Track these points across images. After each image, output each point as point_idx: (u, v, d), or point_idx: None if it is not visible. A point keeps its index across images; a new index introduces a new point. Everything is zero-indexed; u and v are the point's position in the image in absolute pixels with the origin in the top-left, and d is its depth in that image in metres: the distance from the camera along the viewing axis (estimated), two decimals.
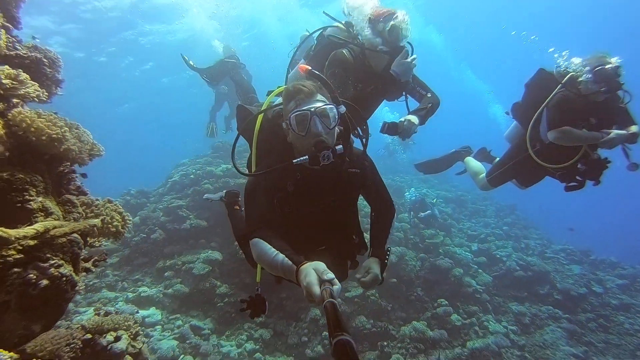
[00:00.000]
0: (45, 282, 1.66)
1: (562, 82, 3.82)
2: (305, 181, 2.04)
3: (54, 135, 1.87)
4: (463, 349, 6.95)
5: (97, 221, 1.98)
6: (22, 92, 1.69)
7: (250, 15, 18.10)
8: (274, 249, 1.73)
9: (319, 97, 2.01)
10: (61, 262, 1.75)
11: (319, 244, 2.24)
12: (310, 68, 2.22)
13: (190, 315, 7.11)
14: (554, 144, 3.87)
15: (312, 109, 1.92)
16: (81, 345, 2.69)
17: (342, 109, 2.04)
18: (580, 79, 3.72)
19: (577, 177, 4.12)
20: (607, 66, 3.54)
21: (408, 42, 3.11)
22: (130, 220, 2.35)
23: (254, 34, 19.88)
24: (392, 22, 2.95)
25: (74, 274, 1.81)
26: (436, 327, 7.24)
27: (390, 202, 2.44)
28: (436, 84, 3.51)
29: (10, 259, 1.59)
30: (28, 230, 1.57)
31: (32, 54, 2.18)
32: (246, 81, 7.52)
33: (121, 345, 2.88)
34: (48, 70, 2.28)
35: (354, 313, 7.24)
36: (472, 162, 5.27)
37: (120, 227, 2.23)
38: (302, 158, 1.91)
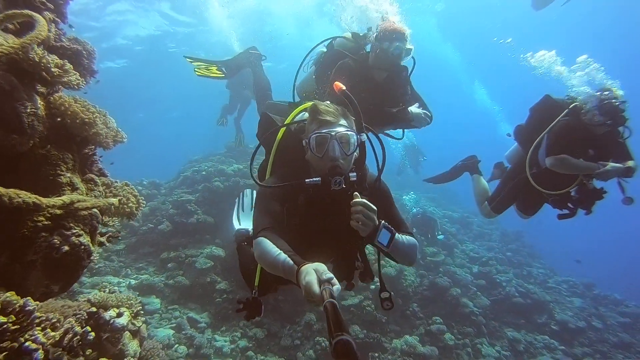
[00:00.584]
0: (66, 247, 1.89)
1: (567, 110, 3.94)
2: (316, 199, 2.05)
3: (86, 120, 2.11)
4: None
5: (115, 200, 2.21)
6: (66, 80, 1.93)
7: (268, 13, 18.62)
8: (277, 249, 1.73)
9: (342, 121, 2.04)
10: (81, 232, 1.98)
11: (321, 260, 2.25)
12: (344, 88, 2.23)
13: (188, 308, 7.30)
14: (551, 171, 3.96)
15: (333, 133, 1.96)
16: (86, 317, 2.90)
17: (364, 137, 2.08)
18: (585, 110, 3.82)
19: (569, 205, 4.21)
20: (614, 101, 3.66)
21: (412, 57, 3.35)
22: (144, 203, 2.58)
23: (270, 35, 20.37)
24: (397, 44, 3.16)
25: (90, 245, 2.04)
26: (428, 343, 7.30)
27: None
28: (448, 99, 3.76)
29: (40, 224, 1.82)
30: (57, 200, 1.80)
31: (74, 46, 2.44)
32: (265, 76, 7.22)
33: (122, 321, 3.09)
34: (85, 61, 2.54)
35: (348, 321, 7.36)
36: (481, 182, 5.22)
37: (134, 209, 2.46)
38: (314, 179, 1.95)
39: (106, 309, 3.14)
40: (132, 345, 3.18)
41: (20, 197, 1.56)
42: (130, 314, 3.26)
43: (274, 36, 18.71)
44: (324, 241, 2.15)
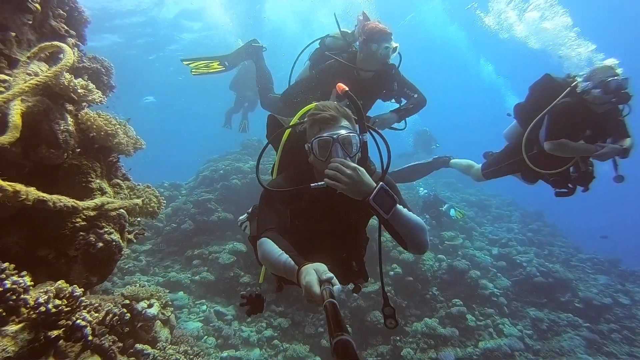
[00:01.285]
0: (100, 244, 2.20)
1: (567, 89, 3.92)
2: (319, 201, 2.08)
3: (109, 132, 2.42)
4: (475, 348, 7.18)
5: (138, 201, 2.52)
6: (90, 98, 2.23)
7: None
8: (279, 249, 1.75)
9: (344, 123, 2.04)
10: (112, 230, 2.29)
11: (320, 261, 2.27)
12: (347, 90, 2.23)
13: (214, 302, 7.70)
14: (548, 152, 4.01)
15: (335, 136, 1.95)
16: (121, 307, 3.24)
17: (366, 137, 2.08)
18: (588, 89, 3.78)
19: (569, 184, 4.27)
20: (617, 78, 3.62)
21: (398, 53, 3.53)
22: (164, 202, 2.88)
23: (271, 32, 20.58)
24: (384, 45, 3.35)
25: (120, 241, 2.35)
26: (449, 325, 7.49)
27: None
28: (457, 81, 3.94)
29: (78, 224, 2.14)
30: (90, 203, 2.10)
31: (94, 65, 2.75)
32: (267, 68, 7.08)
33: (153, 311, 3.43)
34: (104, 78, 2.85)
35: (369, 308, 7.60)
36: (459, 161, 5.45)
37: (156, 208, 2.77)
38: (319, 183, 1.95)
39: (138, 301, 3.49)
40: (164, 333, 3.53)
41: (61, 202, 1.86)
42: (160, 304, 3.60)
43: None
44: (327, 243, 2.16)
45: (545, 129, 4.02)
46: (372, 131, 2.22)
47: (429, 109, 4.31)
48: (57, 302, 1.67)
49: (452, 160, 5.54)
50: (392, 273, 8.13)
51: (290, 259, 1.66)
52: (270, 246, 1.80)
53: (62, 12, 2.50)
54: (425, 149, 13.31)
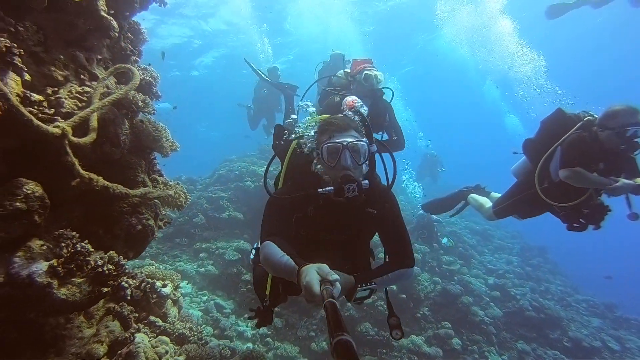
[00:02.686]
0: (140, 227, 2.79)
1: (580, 123, 3.98)
2: (325, 210, 2.14)
3: (155, 137, 3.02)
4: None
5: (171, 192, 3.11)
6: (146, 110, 2.84)
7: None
8: (281, 251, 1.81)
9: (353, 132, 2.12)
10: (149, 217, 2.88)
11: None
12: (355, 105, 2.38)
13: (215, 294, 8.26)
14: (562, 184, 4.00)
15: (345, 143, 2.03)
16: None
17: (374, 147, 2.16)
18: (602, 128, 3.82)
19: (580, 220, 4.23)
20: (634, 127, 3.66)
21: (389, 88, 4.21)
22: (190, 197, 3.47)
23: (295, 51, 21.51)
24: (365, 72, 4.07)
25: (154, 226, 2.93)
26: (435, 345, 7.90)
27: (406, 254, 2.26)
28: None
29: (124, 209, 2.73)
30: (137, 191, 2.69)
31: (147, 78, 3.36)
32: (294, 108, 8.26)
33: (167, 290, 4.00)
34: (154, 89, 3.46)
35: (360, 319, 8.07)
36: (476, 197, 5.64)
37: (183, 202, 3.35)
38: (327, 188, 2.01)
39: (154, 279, 4.07)
40: (173, 311, 4.09)
41: (118, 189, 2.45)
42: (173, 286, 4.17)
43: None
44: (331, 253, 2.15)
45: (559, 159, 4.03)
46: (379, 146, 2.33)
47: (437, 130, 4.93)
48: (110, 266, 2.24)
49: (471, 195, 5.71)
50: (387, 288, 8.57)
51: (290, 259, 1.72)
52: (273, 248, 1.86)
53: (130, 35, 3.13)
54: (431, 173, 13.76)
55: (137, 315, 3.49)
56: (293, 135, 2.75)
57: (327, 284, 1.34)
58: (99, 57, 2.80)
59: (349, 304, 7.50)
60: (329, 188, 2.00)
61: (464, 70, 26.04)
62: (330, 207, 2.11)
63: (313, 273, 1.42)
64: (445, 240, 10.42)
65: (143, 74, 3.49)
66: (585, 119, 4.01)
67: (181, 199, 3.31)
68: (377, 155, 2.30)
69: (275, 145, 2.89)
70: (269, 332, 7.69)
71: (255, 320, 2.46)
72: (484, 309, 9.30)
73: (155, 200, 3.03)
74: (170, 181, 3.50)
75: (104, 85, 2.59)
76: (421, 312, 8.56)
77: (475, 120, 37.99)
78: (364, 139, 2.11)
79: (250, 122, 11.70)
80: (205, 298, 8.05)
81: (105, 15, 2.64)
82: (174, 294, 4.17)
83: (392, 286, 8.72)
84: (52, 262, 2.06)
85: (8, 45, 1.96)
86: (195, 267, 8.61)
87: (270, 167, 2.64)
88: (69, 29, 2.49)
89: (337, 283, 1.38)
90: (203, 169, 13.28)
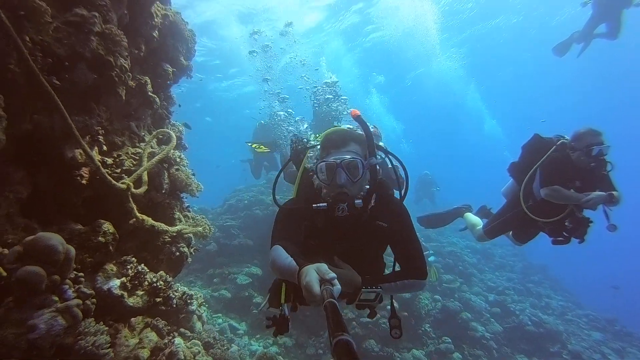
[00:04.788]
0: (177, 253, 3.68)
1: (555, 146, 4.46)
2: (333, 222, 2.15)
3: (187, 182, 3.95)
4: None
5: (200, 229, 4.01)
6: (181, 163, 3.79)
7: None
8: (287, 254, 1.83)
9: (352, 147, 2.13)
10: (184, 246, 3.78)
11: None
12: (359, 114, 2.34)
13: (229, 317, 9.03)
14: (544, 201, 4.47)
15: (339, 161, 2.04)
16: None
17: (373, 160, 2.15)
18: (572, 149, 4.33)
19: (564, 233, 4.66)
20: (598, 147, 4.15)
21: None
22: (213, 229, 4.36)
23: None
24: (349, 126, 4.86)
25: (188, 252, 3.82)
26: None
27: (417, 267, 2.22)
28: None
29: (166, 240, 3.63)
30: (174, 228, 3.60)
31: (178, 134, 4.32)
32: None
33: (193, 307, 4.83)
34: (182, 142, 4.41)
35: (365, 336, 8.75)
36: (471, 217, 6.06)
37: (208, 233, 4.24)
38: (321, 205, 2.07)
39: None
40: (198, 325, 4.91)
41: (162, 227, 3.36)
42: (198, 304, 5.01)
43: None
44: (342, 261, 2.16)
45: (539, 179, 4.52)
46: (390, 157, 2.44)
47: (429, 156, 5.66)
48: (161, 282, 3.12)
49: (467, 214, 6.16)
50: (388, 307, 9.27)
51: (293, 260, 1.73)
52: (280, 251, 1.89)
53: (165, 102, 4.11)
54: (427, 194, 14.48)
55: (169, 327, 4.34)
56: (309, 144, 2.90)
57: (327, 284, 1.35)
58: (145, 122, 3.77)
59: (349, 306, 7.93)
60: (323, 205, 2.08)
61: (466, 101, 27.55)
62: (338, 220, 2.11)
63: (313, 273, 1.43)
64: (432, 258, 10.86)
65: (173, 128, 4.46)
66: (559, 142, 4.49)
67: (206, 231, 4.20)
68: (388, 168, 2.37)
69: (292, 155, 3.00)
70: (280, 351, 8.40)
71: (273, 329, 2.41)
72: (484, 324, 9.93)
73: (190, 234, 3.93)
74: (197, 216, 4.40)
75: (150, 146, 3.53)
76: (422, 329, 9.22)
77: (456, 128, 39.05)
78: (359, 157, 2.10)
79: (253, 174, 12.66)
80: (219, 320, 8.81)
81: (151, 94, 3.62)
82: (198, 310, 5.00)
83: (395, 304, 9.26)
84: (122, 279, 2.94)
85: (96, 130, 2.92)
86: (209, 291, 9.41)
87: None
88: (126, 106, 3.46)
89: (337, 283, 1.38)
90: (209, 199, 14.20)
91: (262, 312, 9.05)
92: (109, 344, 2.62)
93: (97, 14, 2.64)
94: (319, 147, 2.34)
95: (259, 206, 11.48)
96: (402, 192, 2.42)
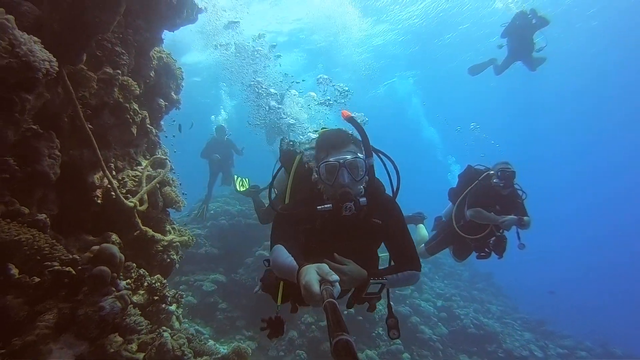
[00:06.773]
0: (168, 260, 4.45)
1: (482, 176, 5.39)
2: (332, 223, 2.22)
3: (176, 199, 4.72)
4: None
5: (185, 238, 4.78)
6: (171, 191, 4.57)
7: None
8: (287, 253, 1.86)
9: (351, 147, 2.19)
10: (174, 254, 4.55)
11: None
12: (351, 115, 2.41)
13: (195, 322, 9.64)
14: (471, 221, 5.29)
15: (342, 161, 2.10)
16: None
17: (371, 161, 2.22)
18: (492, 175, 5.27)
19: (486, 249, 5.51)
20: (507, 171, 5.11)
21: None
22: (195, 239, 5.13)
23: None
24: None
25: (176, 259, 4.60)
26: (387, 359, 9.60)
27: (412, 260, 2.37)
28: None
29: (158, 248, 4.39)
30: (168, 238, 4.36)
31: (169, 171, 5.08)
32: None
33: (173, 308, 5.55)
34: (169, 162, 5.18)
35: (323, 340, 9.63)
36: (423, 231, 6.76)
37: (191, 243, 5.01)
38: (326, 206, 2.11)
39: None
40: (177, 324, 5.62)
41: (159, 237, 4.13)
42: (177, 305, 5.73)
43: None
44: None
45: (467, 203, 5.41)
46: (380, 155, 2.51)
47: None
48: (158, 284, 3.89)
49: (420, 225, 6.76)
50: (345, 312, 10.25)
51: (293, 260, 1.75)
52: (281, 250, 1.93)
53: (157, 131, 4.88)
54: None
55: (152, 326, 5.06)
56: (298, 149, 2.99)
57: (327, 284, 1.36)
58: (142, 148, 4.54)
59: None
60: (328, 206, 2.13)
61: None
62: (336, 220, 2.19)
63: (312, 273, 1.44)
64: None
65: (161, 152, 5.22)
66: (484, 173, 5.42)
67: (191, 241, 4.97)
68: (380, 165, 2.44)
69: (282, 158, 3.11)
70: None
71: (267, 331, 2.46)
72: (432, 327, 11.13)
73: (178, 243, 4.70)
74: (181, 227, 5.17)
75: (147, 169, 4.31)
76: (376, 332, 10.25)
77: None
78: (360, 155, 2.18)
79: (209, 188, 12.86)
80: (186, 325, 9.40)
81: (149, 126, 4.40)
82: (177, 311, 5.71)
83: (351, 310, 10.25)
84: (128, 280, 3.69)
85: (111, 160, 3.69)
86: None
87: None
88: (128, 136, 4.21)
89: (337, 285, 1.38)
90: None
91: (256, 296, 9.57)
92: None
93: (119, 72, 3.42)
94: (312, 148, 2.46)
95: (225, 216, 12.15)
96: (395, 189, 2.53)
